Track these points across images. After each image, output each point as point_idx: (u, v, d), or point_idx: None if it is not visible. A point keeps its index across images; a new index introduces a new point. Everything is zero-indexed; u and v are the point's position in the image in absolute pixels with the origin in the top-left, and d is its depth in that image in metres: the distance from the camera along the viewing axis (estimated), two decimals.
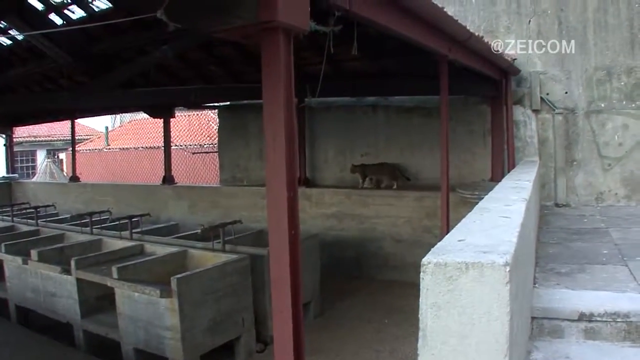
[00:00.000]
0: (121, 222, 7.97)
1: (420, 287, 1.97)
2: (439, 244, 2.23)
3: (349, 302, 7.77)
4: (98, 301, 6.50)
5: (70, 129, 14.81)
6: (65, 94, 8.97)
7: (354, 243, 9.21)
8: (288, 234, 2.87)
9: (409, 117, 9.60)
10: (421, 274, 1.97)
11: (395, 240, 8.90)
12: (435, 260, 1.96)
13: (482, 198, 3.70)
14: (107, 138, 23.43)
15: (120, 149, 22.14)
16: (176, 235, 7.72)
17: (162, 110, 11.56)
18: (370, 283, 8.64)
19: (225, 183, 11.60)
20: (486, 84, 7.89)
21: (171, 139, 12.34)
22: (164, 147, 12.16)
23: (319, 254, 7.32)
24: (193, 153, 16.79)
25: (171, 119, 12.07)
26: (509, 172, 7.28)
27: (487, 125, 8.62)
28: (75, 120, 14.85)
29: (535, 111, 8.81)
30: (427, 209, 8.53)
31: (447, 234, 5.05)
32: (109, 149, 22.73)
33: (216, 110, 12.86)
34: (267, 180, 2.94)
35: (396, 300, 7.56)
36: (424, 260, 1.98)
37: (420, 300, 1.98)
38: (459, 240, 2.27)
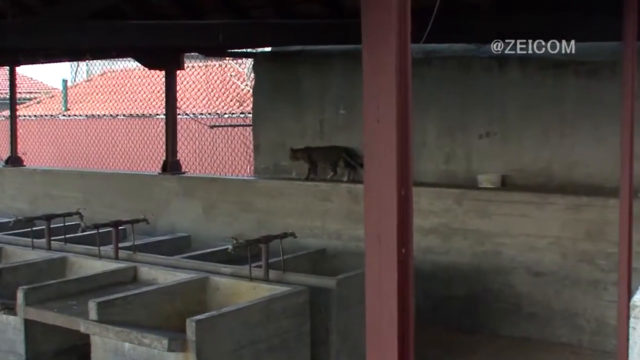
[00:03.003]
0: (100, 231, 8.01)
1: (630, 342, 2.01)
2: None
3: None
4: (58, 358, 6.65)
5: (7, 83, 14.95)
6: (4, 26, 9.09)
7: (467, 275, 9.20)
8: (397, 253, 2.94)
9: (560, 77, 9.48)
10: (631, 320, 2.00)
11: (533, 273, 8.82)
12: None
13: None
14: (65, 98, 23.82)
15: (86, 116, 22.49)
16: (188, 254, 7.92)
17: (165, 58, 11.60)
18: (494, 339, 8.61)
19: (263, 174, 11.68)
20: None
21: (177, 104, 12.51)
22: (165, 115, 12.33)
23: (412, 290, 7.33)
24: (211, 127, 16.93)
25: (178, 72, 12.23)
26: None
27: None
28: (16, 70, 14.96)
29: None
30: (589, 224, 8.41)
31: (628, 264, 5.02)
32: (69, 115, 23.10)
33: (248, 61, 12.87)
34: (366, 172, 3.01)
35: None
36: (636, 299, 2.01)
37: None
38: None
